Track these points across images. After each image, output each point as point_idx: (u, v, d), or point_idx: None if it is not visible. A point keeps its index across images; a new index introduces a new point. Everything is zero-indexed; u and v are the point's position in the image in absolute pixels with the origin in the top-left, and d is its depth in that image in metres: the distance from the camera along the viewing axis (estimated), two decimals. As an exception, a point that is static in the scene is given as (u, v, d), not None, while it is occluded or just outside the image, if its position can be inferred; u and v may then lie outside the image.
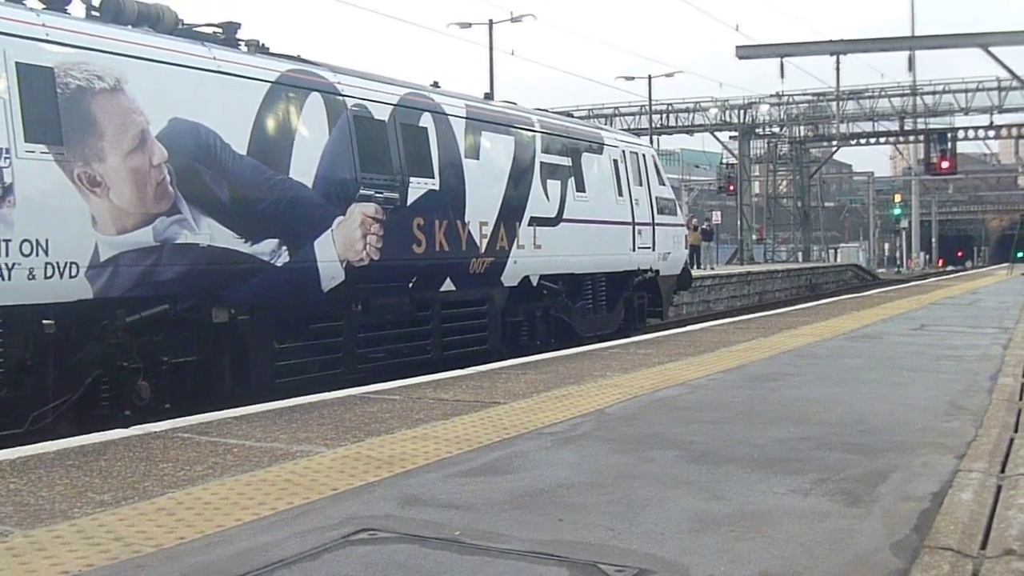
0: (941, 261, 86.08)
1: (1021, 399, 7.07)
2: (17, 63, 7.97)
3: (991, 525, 3.87)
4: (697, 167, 78.37)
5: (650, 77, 50.49)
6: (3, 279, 7.63)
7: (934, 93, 52.33)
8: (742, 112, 55.94)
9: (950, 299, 20.11)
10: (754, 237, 58.80)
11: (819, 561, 3.47)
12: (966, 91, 51.04)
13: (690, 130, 56.57)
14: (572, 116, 18.66)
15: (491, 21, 37.78)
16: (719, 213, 52.84)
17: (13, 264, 7.71)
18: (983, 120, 52.85)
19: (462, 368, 9.59)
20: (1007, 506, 4.11)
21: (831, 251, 73.84)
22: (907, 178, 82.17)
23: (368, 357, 11.51)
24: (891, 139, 58.54)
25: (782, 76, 48.14)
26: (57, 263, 8.05)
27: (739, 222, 56.08)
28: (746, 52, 43.36)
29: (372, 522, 3.99)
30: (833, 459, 5.09)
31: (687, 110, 56.38)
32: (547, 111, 17.09)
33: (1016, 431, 5.84)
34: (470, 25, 38.24)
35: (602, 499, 4.34)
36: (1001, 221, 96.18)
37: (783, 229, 65.82)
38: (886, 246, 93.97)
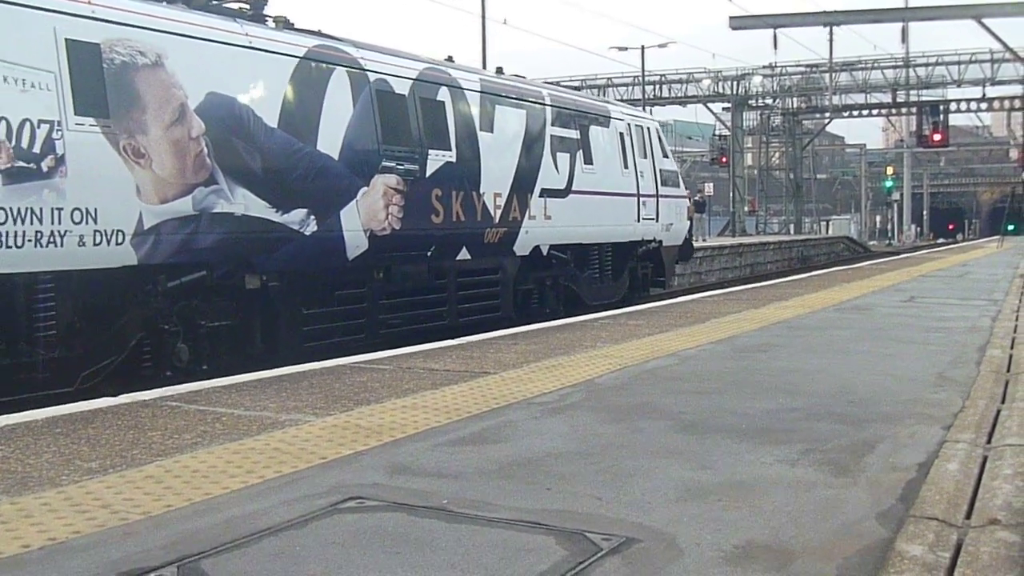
0: (932, 234, 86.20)
1: (1008, 371, 7.09)
2: (67, 39, 8.35)
3: (976, 495, 3.88)
4: (690, 138, 78.26)
5: (643, 48, 50.35)
6: (56, 245, 8.09)
7: (927, 65, 52.30)
8: (735, 83, 55.85)
9: (940, 271, 20.15)
10: (746, 209, 58.83)
11: (805, 530, 3.49)
12: (959, 63, 51.03)
13: (683, 101, 56.52)
14: (576, 88, 18.90)
15: (483, -10, 37.50)
16: (711, 185, 52.84)
17: (65, 231, 8.16)
18: (976, 92, 52.83)
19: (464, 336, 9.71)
20: (992, 476, 4.12)
21: (823, 223, 73.93)
22: (899, 150, 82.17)
23: (388, 323, 11.99)
24: (884, 111, 58.49)
25: (775, 47, 48.05)
26: (105, 231, 8.49)
27: (731, 194, 56.09)
28: (739, 23, 43.21)
29: (360, 490, 3.99)
30: (821, 429, 5.11)
31: (680, 81, 56.27)
32: (556, 85, 17.29)
33: (1003, 402, 5.86)
34: (462, -6, 37.93)
35: (590, 468, 4.35)
36: (992, 194, 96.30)
37: (775, 201, 65.83)
38: (878, 218, 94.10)
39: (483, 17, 36.85)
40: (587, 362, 7.55)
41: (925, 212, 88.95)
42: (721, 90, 55.95)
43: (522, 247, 14.38)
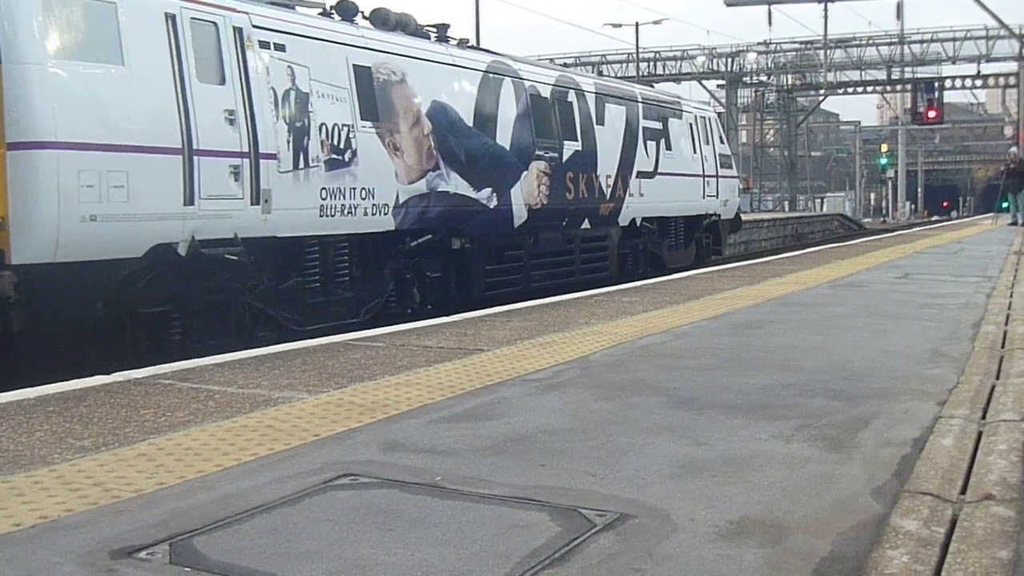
0: (926, 212, 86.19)
1: (1003, 347, 7.09)
2: (353, 64, 11.59)
3: (971, 471, 3.87)
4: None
5: (637, 24, 50.26)
6: (352, 215, 11.34)
7: (922, 42, 52.22)
8: (729, 60, 55.77)
9: (935, 248, 20.15)
10: (741, 186, 58.75)
11: (800, 506, 3.48)
12: (954, 40, 50.96)
13: (677, 78, 56.42)
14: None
15: (477, -34, 37.31)
16: (706, 162, 52.66)
17: (357, 205, 11.38)
18: (970, 69, 52.86)
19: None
20: (987, 452, 4.12)
21: (817, 200, 73.91)
22: (894, 128, 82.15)
23: (534, 278, 15.30)
24: (878, 88, 58.43)
25: (770, 24, 48.00)
26: (378, 204, 11.74)
27: (726, 171, 55.99)
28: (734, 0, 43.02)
29: (353, 467, 3.98)
30: (816, 405, 5.10)
31: (674, 58, 56.17)
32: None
33: (997, 378, 5.85)
34: (456, -30, 37.74)
35: (584, 445, 4.33)
36: (987, 171, 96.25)
37: (770, 178, 65.83)
38: (872, 196, 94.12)
39: (477, -6, 36.65)
40: (581, 339, 7.53)
41: (920, 189, 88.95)
42: (715, 67, 55.84)
43: (624, 219, 17.88)
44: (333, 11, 12.34)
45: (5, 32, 8.26)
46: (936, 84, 47.53)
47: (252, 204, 10.01)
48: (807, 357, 6.63)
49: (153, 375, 6.15)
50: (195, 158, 9.36)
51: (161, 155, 9.11)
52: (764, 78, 58.72)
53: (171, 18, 9.43)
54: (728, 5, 42.11)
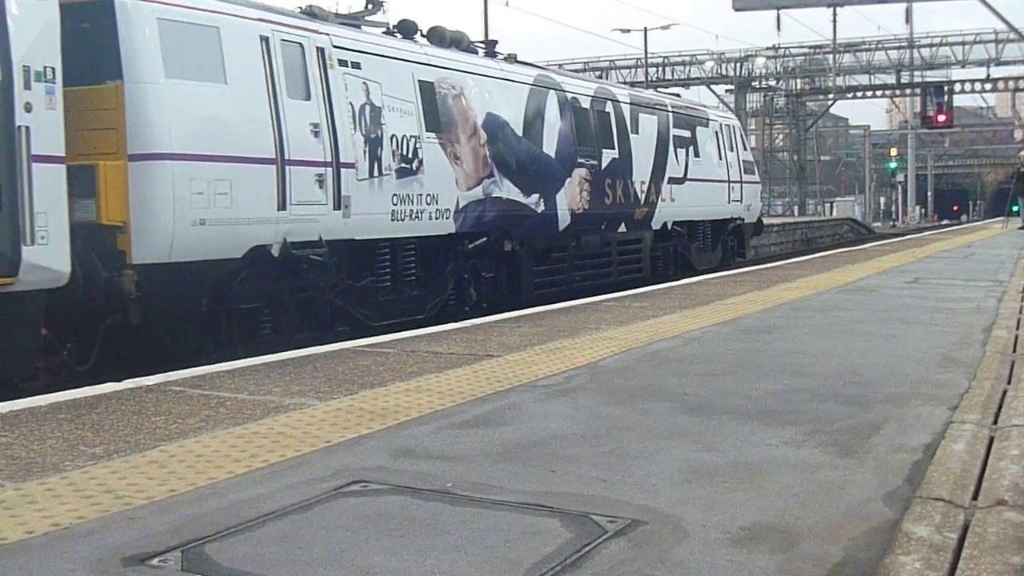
0: (936, 216, 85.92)
1: (1014, 351, 7.06)
2: (418, 80, 12.48)
3: (983, 476, 3.86)
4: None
5: (646, 30, 50.28)
6: (419, 219, 12.18)
7: (931, 46, 52.14)
8: (738, 65, 55.71)
9: (945, 252, 20.09)
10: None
11: (811, 511, 3.47)
12: (963, 44, 50.86)
13: (686, 83, 56.33)
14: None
15: (485, -28, 37.36)
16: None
17: (422, 210, 12.22)
18: (980, 73, 52.69)
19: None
20: (999, 457, 4.10)
21: (827, 205, 73.77)
22: (903, 132, 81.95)
23: (576, 279, 16.14)
24: (887, 92, 58.29)
25: (779, 29, 47.91)
26: (441, 209, 12.61)
27: (735, 176, 55.84)
28: (743, 4, 43.06)
29: (364, 474, 3.98)
30: (826, 411, 5.09)
31: (683, 63, 56.13)
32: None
33: (1009, 383, 5.83)
34: (464, -24, 37.76)
35: (595, 451, 4.33)
36: (997, 175, 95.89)
37: (779, 183, 65.71)
38: (882, 200, 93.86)
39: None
40: (591, 344, 7.53)
41: (929, 193, 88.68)
42: (724, 72, 55.79)
43: (656, 223, 18.71)
44: (395, 30, 13.22)
45: (127, 55, 9.00)
46: (945, 88, 47.35)
47: (334, 209, 10.90)
48: (817, 362, 6.62)
49: (164, 382, 6.16)
50: (287, 167, 10.22)
51: (259, 165, 9.93)
52: (773, 82, 58.63)
53: (264, 40, 10.27)
54: (736, 10, 42.11)
